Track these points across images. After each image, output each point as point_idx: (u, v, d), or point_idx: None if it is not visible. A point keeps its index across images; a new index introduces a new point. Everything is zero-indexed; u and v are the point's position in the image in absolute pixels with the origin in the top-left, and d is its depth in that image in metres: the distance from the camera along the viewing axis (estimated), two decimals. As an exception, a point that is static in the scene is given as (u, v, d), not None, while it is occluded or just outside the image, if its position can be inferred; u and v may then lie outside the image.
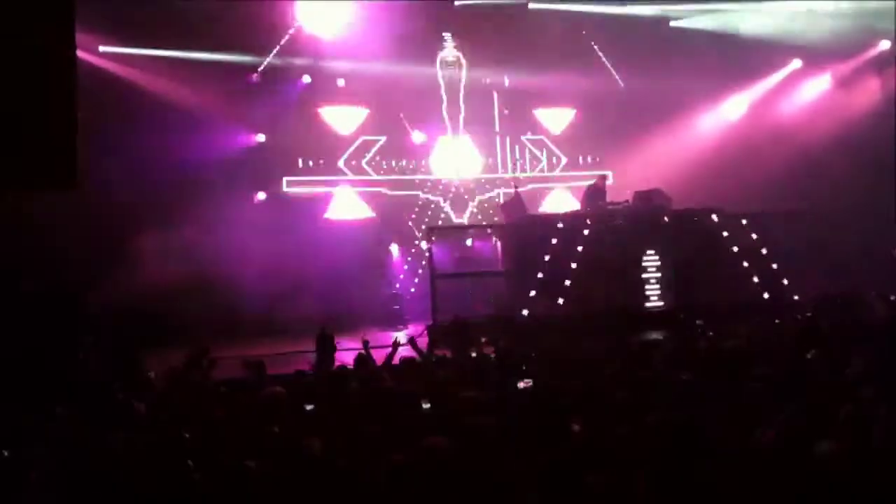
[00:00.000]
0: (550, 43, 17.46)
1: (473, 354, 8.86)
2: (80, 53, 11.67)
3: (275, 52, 16.70)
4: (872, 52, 18.18)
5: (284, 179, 17.02)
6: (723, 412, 5.14)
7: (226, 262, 14.27)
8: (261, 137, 16.75)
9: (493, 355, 8.40)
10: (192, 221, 14.36)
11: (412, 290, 16.84)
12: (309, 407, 6.27)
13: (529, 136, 18.75)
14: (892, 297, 10.93)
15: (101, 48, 15.13)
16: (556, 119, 19.05)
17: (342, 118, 17.69)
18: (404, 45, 16.79)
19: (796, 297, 13.57)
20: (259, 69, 16.61)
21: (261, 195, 16.68)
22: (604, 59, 18.37)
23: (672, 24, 18.50)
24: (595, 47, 18.24)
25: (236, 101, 15.99)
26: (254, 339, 13.31)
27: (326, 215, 17.40)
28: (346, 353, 9.42)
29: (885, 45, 17.98)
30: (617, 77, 18.37)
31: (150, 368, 8.79)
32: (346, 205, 17.63)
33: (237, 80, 16.33)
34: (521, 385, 6.95)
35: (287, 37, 16.80)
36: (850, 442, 4.09)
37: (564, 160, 18.87)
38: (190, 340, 9.41)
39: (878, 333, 8.20)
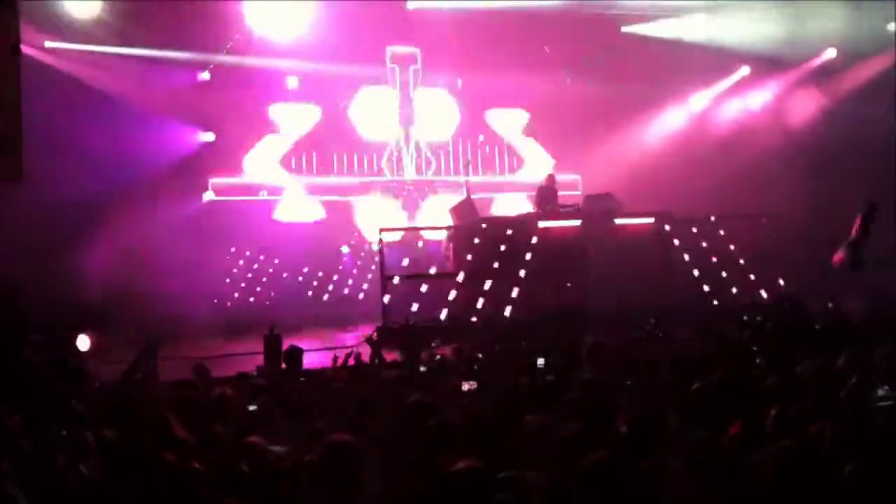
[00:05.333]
0: (504, 45, 17.43)
1: (424, 358, 8.80)
2: (24, 49, 11.50)
3: (224, 51, 16.41)
4: (818, 61, 18.43)
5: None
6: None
7: (169, 263, 14.03)
8: (209, 136, 16.50)
9: (442, 358, 8.37)
10: (135, 219, 14.09)
11: (363, 291, 16.76)
12: (252, 407, 6.18)
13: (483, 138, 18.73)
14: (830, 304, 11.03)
15: (47, 44, 14.65)
16: (509, 120, 19.05)
17: (293, 117, 17.45)
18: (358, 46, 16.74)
19: (735, 293, 13.76)
20: (208, 67, 16.35)
21: (209, 194, 16.41)
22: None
23: (623, 29, 18.58)
24: (546, 49, 18.25)
25: (184, 98, 15.74)
26: (200, 341, 13.04)
27: (275, 216, 17.17)
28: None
29: (830, 53, 18.27)
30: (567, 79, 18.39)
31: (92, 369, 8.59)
32: (296, 205, 17.41)
33: (186, 77, 16.07)
34: (465, 387, 6.90)
35: (237, 36, 16.50)
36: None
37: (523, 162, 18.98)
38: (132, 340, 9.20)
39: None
